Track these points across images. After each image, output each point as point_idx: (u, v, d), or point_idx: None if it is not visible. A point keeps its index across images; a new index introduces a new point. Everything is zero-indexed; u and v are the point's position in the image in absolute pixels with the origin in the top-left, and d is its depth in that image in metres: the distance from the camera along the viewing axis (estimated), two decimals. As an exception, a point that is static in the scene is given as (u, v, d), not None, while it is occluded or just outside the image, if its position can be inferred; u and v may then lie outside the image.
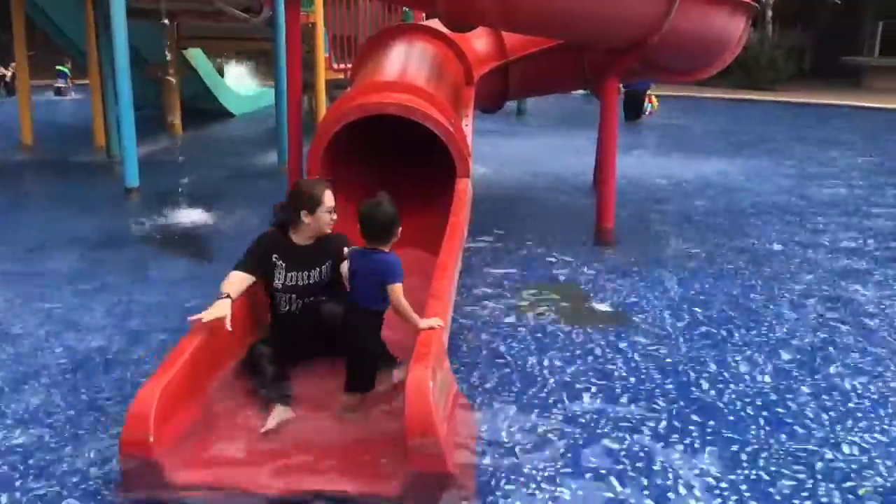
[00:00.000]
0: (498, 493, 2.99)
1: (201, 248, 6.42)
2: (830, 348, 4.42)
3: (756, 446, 3.35)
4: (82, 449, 3.28)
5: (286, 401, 3.39)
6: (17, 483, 3.05)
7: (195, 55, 13.50)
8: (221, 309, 3.47)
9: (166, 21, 8.22)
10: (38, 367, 4.09)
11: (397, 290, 3.42)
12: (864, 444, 3.38)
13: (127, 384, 3.86)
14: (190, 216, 7.25)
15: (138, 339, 4.44)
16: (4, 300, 5.05)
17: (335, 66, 12.42)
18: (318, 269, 3.82)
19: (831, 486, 3.07)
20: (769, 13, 24.24)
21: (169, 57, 8.86)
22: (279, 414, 3.29)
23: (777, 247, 6.55)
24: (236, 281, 3.68)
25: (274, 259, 3.80)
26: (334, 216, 3.83)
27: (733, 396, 3.82)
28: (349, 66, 10.52)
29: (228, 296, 3.55)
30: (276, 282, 3.80)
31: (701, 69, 7.08)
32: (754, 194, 8.76)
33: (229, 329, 3.43)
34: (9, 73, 20.21)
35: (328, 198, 3.80)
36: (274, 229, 3.90)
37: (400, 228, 3.58)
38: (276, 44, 9.66)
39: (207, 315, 3.42)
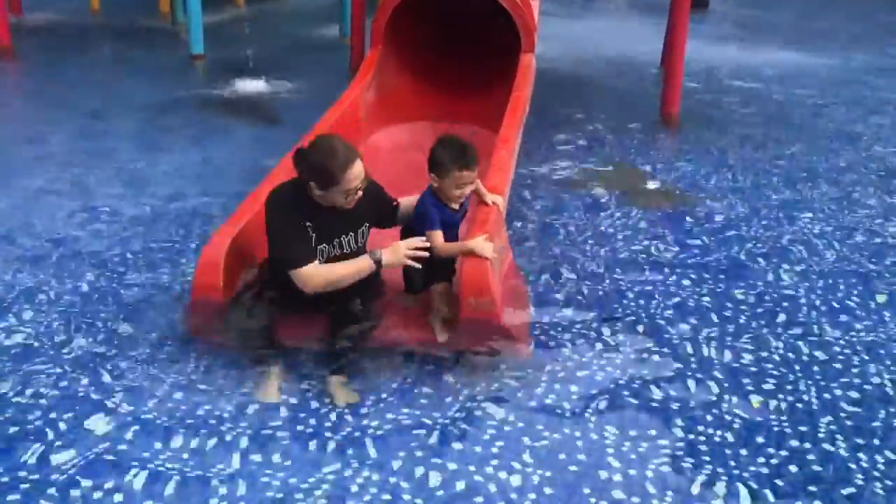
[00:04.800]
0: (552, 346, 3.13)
1: (266, 113, 6.50)
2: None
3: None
4: (154, 296, 3.49)
5: (276, 361, 2.99)
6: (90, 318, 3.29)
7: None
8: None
9: None
10: (110, 219, 4.31)
11: (433, 238, 3.03)
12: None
13: (197, 235, 4.06)
14: (254, 84, 7.30)
15: (207, 195, 4.63)
16: (76, 158, 5.24)
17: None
18: (349, 234, 3.02)
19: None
20: None
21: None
22: (277, 377, 2.95)
23: (837, 140, 6.36)
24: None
25: (308, 229, 2.93)
26: (357, 195, 2.90)
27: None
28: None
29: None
30: None
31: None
32: (823, 87, 8.38)
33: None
34: None
35: (348, 179, 2.81)
36: (288, 189, 2.97)
37: (441, 172, 3.04)
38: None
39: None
